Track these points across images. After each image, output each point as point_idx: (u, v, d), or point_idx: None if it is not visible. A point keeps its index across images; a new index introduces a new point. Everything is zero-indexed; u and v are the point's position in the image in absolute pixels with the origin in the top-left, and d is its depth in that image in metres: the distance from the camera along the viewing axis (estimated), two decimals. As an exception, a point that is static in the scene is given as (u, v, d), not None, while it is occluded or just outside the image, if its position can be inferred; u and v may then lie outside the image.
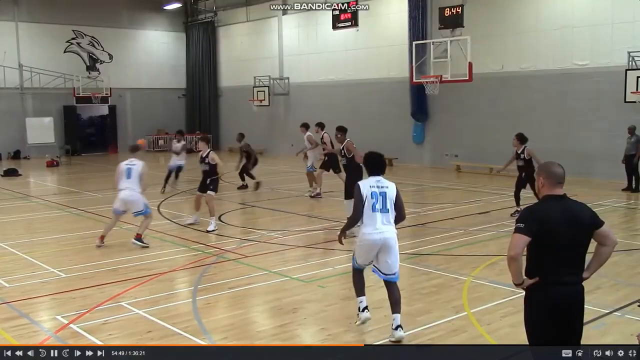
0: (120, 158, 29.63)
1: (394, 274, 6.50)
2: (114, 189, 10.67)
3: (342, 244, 6.90)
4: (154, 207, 14.61)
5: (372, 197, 6.29)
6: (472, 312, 7.06)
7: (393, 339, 6.16)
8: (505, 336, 6.28)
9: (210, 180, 11.69)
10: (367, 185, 6.33)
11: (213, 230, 11.64)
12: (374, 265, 6.56)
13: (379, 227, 6.33)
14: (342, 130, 11.49)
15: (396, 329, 6.21)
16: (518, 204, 12.68)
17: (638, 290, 7.90)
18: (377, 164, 6.48)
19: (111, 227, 10.66)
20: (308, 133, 16.45)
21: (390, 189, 6.37)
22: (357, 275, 6.70)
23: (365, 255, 6.52)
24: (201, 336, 6.38)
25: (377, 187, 6.33)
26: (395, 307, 6.33)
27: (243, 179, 17.35)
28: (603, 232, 4.34)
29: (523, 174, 12.69)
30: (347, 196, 10.59)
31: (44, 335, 6.51)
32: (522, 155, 12.61)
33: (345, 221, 7.87)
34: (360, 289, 6.66)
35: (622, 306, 7.21)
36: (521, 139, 12.82)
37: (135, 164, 10.36)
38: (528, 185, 12.45)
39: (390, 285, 6.48)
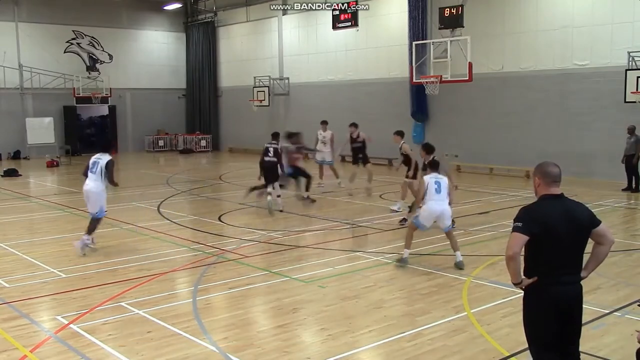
0: (120, 158, 29.88)
1: (95, 213, 10.16)
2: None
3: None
4: (155, 206, 14.63)
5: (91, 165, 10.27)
6: (472, 312, 7.06)
7: None
8: (505, 336, 6.28)
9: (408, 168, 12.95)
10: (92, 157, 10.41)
11: (396, 211, 13.20)
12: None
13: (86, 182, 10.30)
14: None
15: None
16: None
17: (638, 290, 7.91)
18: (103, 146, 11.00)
19: None
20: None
21: (103, 160, 10.13)
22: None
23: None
24: (201, 336, 6.38)
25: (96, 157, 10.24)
26: None
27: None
28: (600, 231, 4.35)
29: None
30: None
31: (44, 335, 6.50)
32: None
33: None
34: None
35: (622, 306, 7.21)
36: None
37: None
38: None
39: None
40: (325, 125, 17.42)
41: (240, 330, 6.61)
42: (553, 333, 4.29)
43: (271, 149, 13.51)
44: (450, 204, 9.28)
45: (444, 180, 9.22)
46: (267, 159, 13.51)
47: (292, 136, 14.92)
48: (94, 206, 10.20)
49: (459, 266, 9.02)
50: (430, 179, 9.25)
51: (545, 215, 4.23)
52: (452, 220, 9.53)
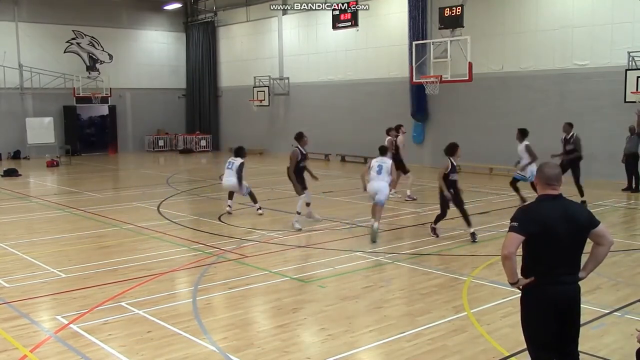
0: (120, 158, 29.88)
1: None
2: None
3: None
4: (155, 206, 14.63)
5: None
6: (472, 312, 7.06)
7: None
8: (505, 336, 6.28)
9: None
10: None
11: None
12: None
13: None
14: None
15: None
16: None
17: (638, 290, 7.90)
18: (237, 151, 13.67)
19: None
20: (526, 142, 13.78)
21: (236, 163, 13.28)
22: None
23: None
24: (201, 336, 6.38)
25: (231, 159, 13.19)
26: None
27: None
28: (599, 231, 4.35)
29: None
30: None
31: (44, 335, 6.50)
32: None
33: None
34: None
35: (622, 306, 7.21)
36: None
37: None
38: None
39: None
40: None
41: (240, 330, 6.61)
42: (552, 333, 4.29)
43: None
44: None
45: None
46: None
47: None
48: (242, 190, 13.45)
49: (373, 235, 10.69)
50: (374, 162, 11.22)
51: (543, 215, 4.24)
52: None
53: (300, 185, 12.14)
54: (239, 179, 13.33)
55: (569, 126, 14.72)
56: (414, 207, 14.42)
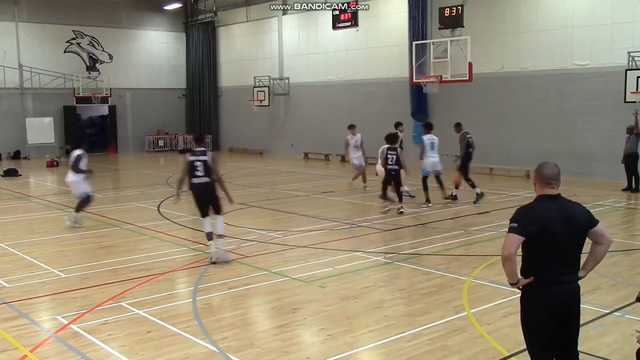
0: (120, 158, 29.87)
1: None
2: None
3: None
4: (155, 206, 14.63)
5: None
6: (472, 312, 7.06)
7: None
8: (505, 336, 6.28)
9: None
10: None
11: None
12: None
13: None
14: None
15: None
16: None
17: (638, 290, 7.89)
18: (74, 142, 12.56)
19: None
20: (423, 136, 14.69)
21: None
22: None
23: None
24: (201, 336, 6.38)
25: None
26: None
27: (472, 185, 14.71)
28: (598, 231, 4.35)
29: None
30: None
31: (44, 335, 6.50)
32: None
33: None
34: None
35: (622, 306, 7.20)
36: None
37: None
38: None
39: None
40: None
41: (240, 330, 6.61)
42: (552, 333, 4.30)
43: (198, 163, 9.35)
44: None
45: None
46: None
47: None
48: (76, 189, 12.38)
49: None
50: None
51: (540, 215, 4.24)
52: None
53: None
54: (78, 173, 11.86)
55: (457, 126, 14.90)
56: (414, 207, 14.41)
